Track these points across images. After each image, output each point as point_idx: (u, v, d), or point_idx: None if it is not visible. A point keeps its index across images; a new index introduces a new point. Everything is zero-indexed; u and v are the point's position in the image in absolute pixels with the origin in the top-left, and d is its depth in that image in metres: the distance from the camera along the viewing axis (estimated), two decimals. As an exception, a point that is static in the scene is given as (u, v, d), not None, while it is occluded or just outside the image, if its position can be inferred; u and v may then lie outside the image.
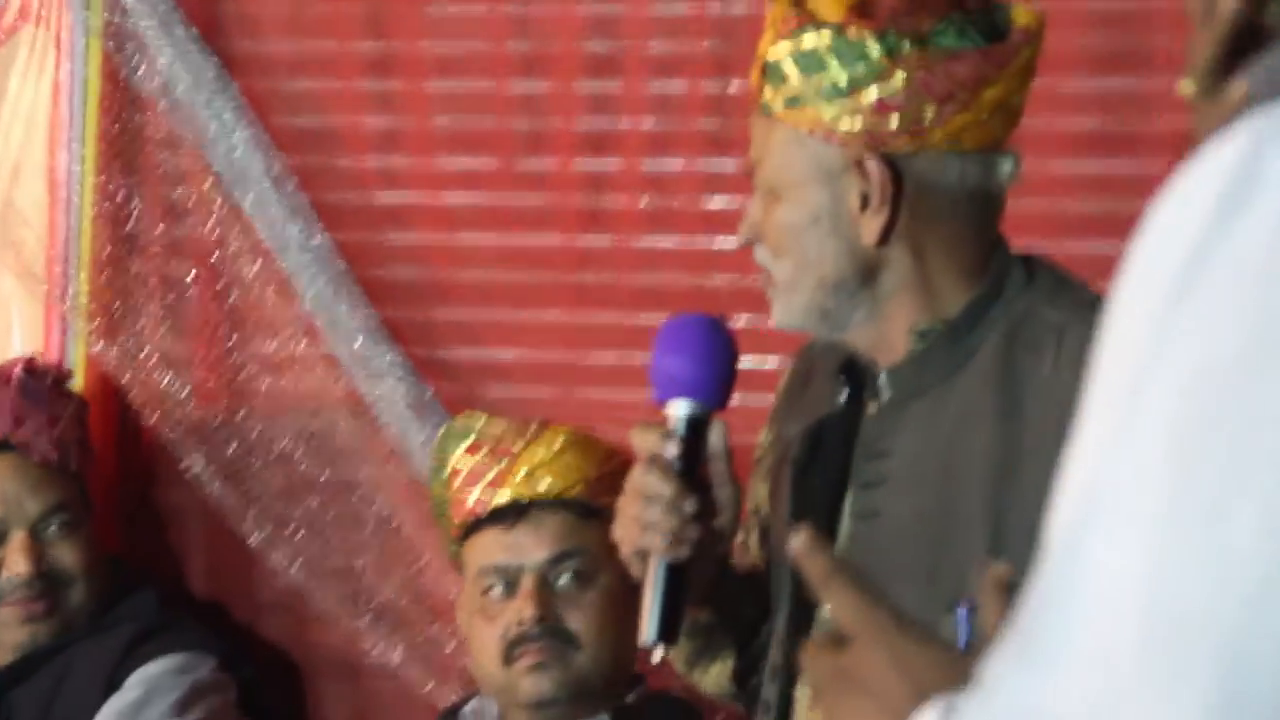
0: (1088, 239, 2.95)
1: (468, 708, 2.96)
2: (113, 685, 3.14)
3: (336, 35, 3.46)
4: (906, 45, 2.07)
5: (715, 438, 2.17)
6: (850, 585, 1.28)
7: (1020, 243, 2.20)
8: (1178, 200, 0.96)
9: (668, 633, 2.13)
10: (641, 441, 2.17)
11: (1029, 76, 2.15)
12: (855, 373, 2.21)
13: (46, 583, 3.20)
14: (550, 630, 2.78)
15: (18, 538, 3.19)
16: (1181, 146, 1.03)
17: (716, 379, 2.18)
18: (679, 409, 2.16)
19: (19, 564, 3.17)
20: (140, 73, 3.48)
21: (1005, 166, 2.16)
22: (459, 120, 3.40)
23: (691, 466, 2.15)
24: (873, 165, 2.10)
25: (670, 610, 2.12)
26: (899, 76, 2.07)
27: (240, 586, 3.52)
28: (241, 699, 3.26)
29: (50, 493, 3.22)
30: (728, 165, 3.19)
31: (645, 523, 2.12)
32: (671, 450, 2.15)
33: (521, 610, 2.78)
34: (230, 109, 3.44)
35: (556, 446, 2.86)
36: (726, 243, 3.18)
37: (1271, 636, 0.90)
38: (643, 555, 2.14)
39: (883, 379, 2.17)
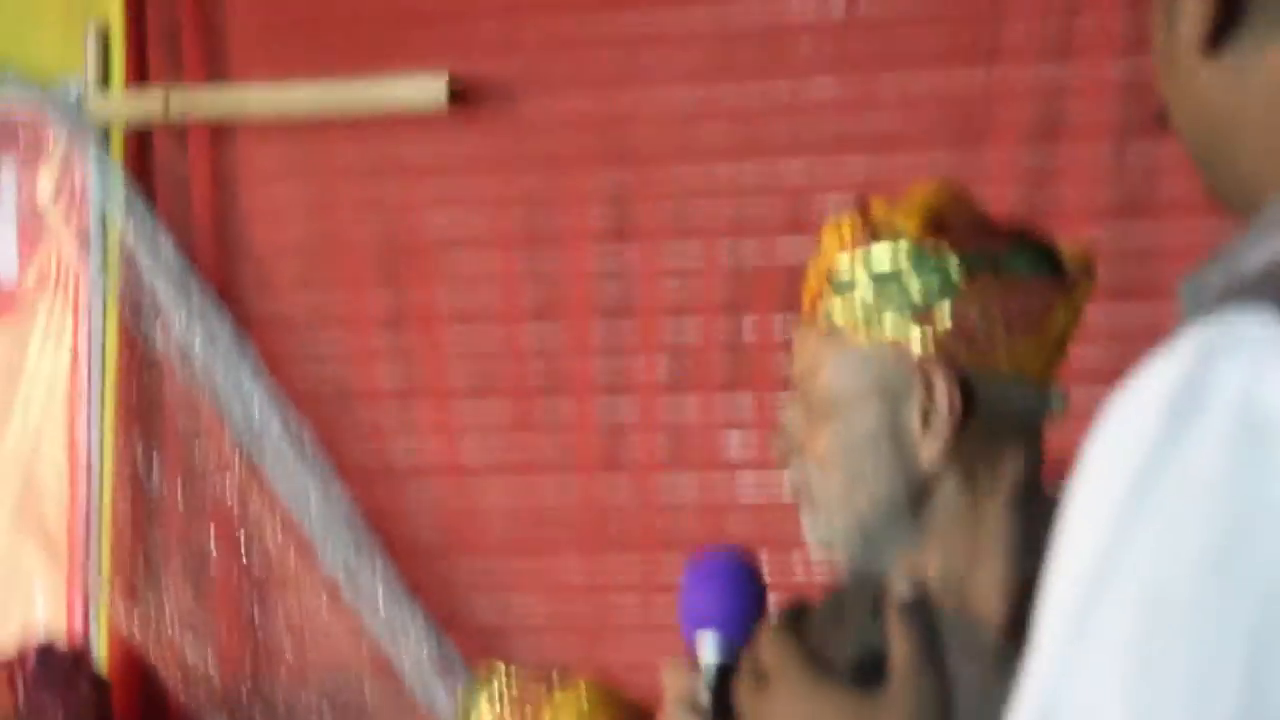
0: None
1: None
2: None
3: (350, 290, 3.47)
4: (984, 266, 2.06)
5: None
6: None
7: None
8: (1128, 411, 0.97)
9: None
10: (671, 683, 2.14)
11: (1082, 311, 2.14)
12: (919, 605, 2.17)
13: None
14: None
15: None
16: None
17: (746, 618, 2.15)
18: (708, 650, 2.13)
19: None
20: (157, 335, 3.48)
21: (1056, 398, 2.15)
22: (474, 369, 3.39)
23: (721, 710, 2.12)
24: (942, 383, 2.07)
25: None
26: (975, 296, 2.05)
27: None
28: None
29: None
30: (744, 403, 3.17)
31: None
32: (704, 696, 2.11)
33: None
34: (246, 368, 3.44)
35: (583, 703, 2.82)
36: (745, 479, 3.16)
37: None
38: None
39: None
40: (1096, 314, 3.04)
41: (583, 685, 2.85)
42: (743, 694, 1.27)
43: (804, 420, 2.13)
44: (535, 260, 3.37)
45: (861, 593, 2.23)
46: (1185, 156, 1.15)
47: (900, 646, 1.22)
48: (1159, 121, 1.17)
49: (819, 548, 2.14)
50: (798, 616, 1.74)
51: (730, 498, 3.22)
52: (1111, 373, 3.11)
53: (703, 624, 2.13)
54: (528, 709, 2.82)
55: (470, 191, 3.42)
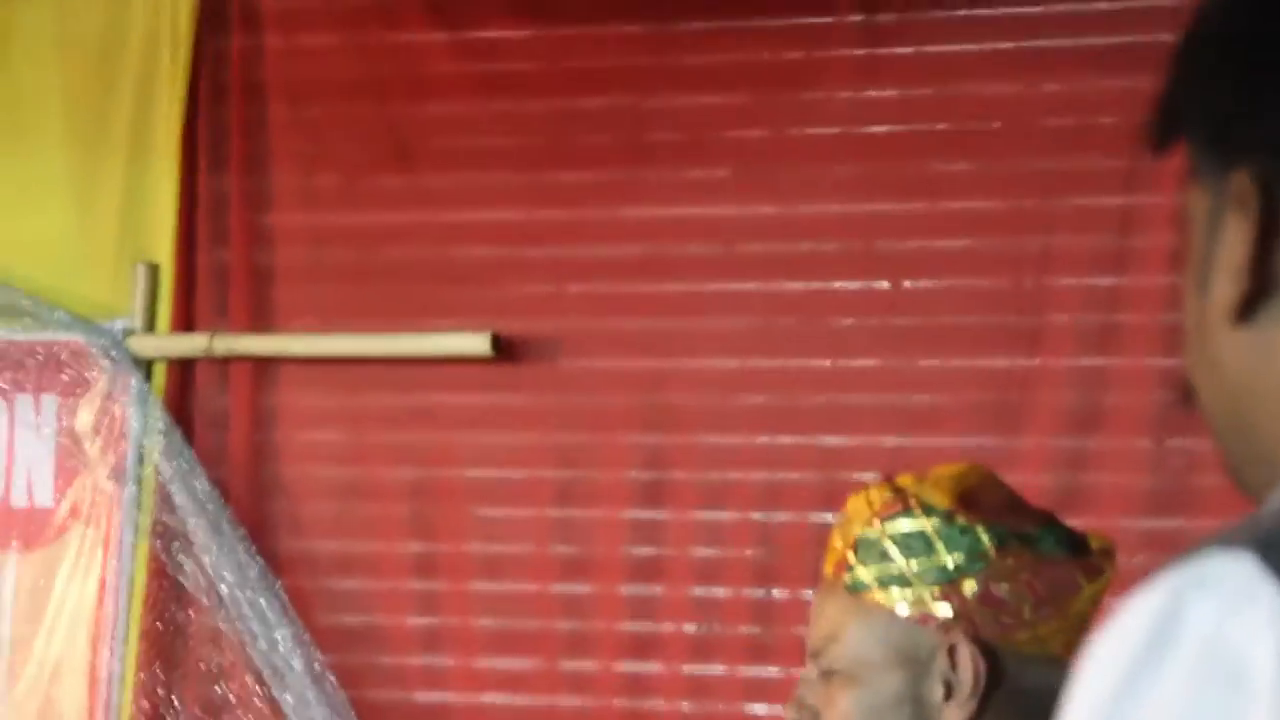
0: None
1: None
2: None
3: (381, 536, 3.50)
4: (1014, 541, 2.09)
5: None
6: None
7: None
8: (1107, 642, 1.00)
9: None
10: None
11: (1104, 596, 2.17)
12: None
13: None
14: None
15: None
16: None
17: None
18: None
19: None
20: (186, 570, 3.51)
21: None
22: (502, 621, 3.41)
23: None
24: (966, 653, 2.09)
25: None
26: (1005, 570, 2.08)
27: None
28: None
29: None
30: (770, 672, 3.19)
31: None
32: None
33: None
34: (274, 607, 3.46)
35: None
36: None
37: None
38: None
39: None
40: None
41: None
42: None
43: (821, 687, 2.16)
44: (567, 516, 3.42)
45: None
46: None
47: None
48: (1186, 402, 1.20)
49: None
50: None
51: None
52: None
53: None
54: None
55: (506, 444, 3.47)
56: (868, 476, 3.16)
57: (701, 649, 3.31)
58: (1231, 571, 0.99)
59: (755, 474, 3.32)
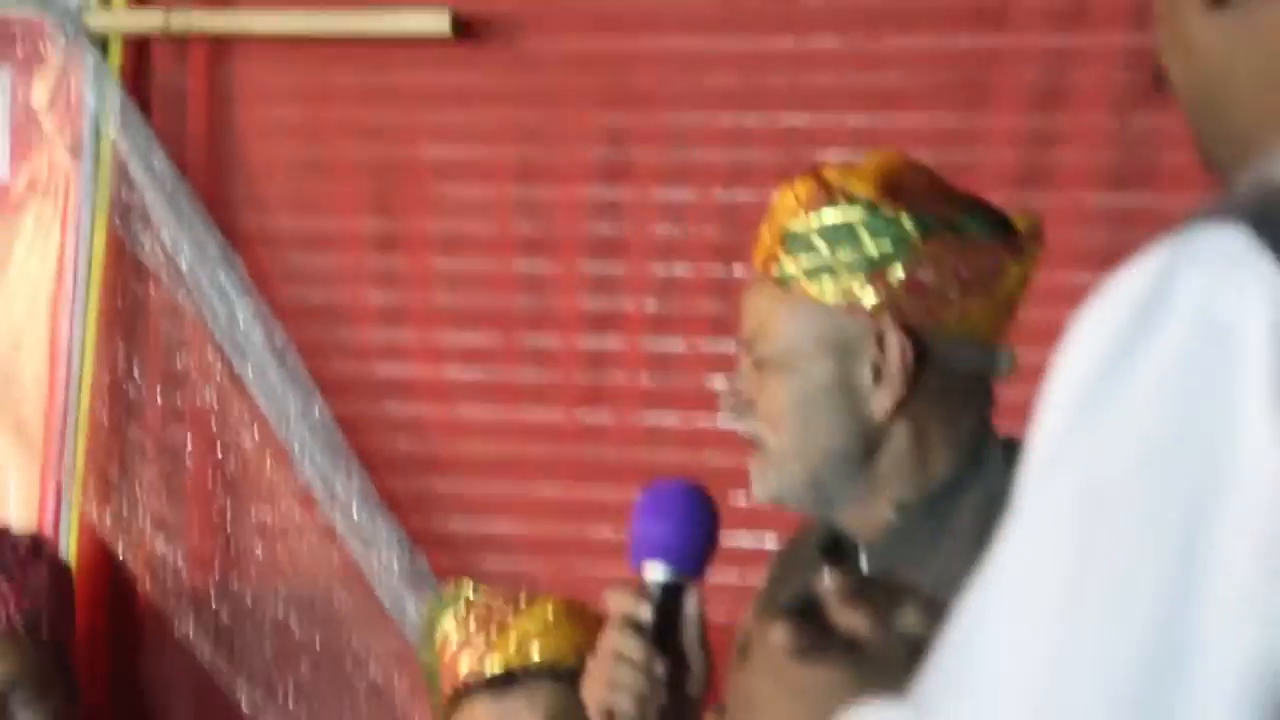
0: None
1: None
2: None
3: (342, 213, 3.50)
4: (938, 227, 2.11)
5: (690, 605, 2.15)
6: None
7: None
8: (1098, 314, 1.02)
9: None
10: (616, 603, 2.15)
11: (1031, 275, 2.20)
12: (838, 551, 2.22)
13: None
14: None
15: None
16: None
17: (694, 547, 2.16)
18: (655, 573, 2.16)
19: None
20: (145, 245, 3.51)
21: (1004, 360, 2.20)
22: (462, 297, 3.44)
23: (664, 631, 2.13)
24: (894, 338, 2.12)
25: None
26: (929, 256, 2.10)
27: (230, 755, 3.49)
28: None
29: (12, 663, 3.14)
30: (730, 346, 3.22)
31: (613, 682, 2.10)
32: (645, 613, 2.14)
33: None
34: (233, 282, 3.47)
35: (549, 616, 2.84)
36: (726, 421, 3.21)
37: None
38: (609, 716, 2.12)
39: (862, 555, 2.18)
40: (1093, 280, 3.13)
41: (549, 602, 2.89)
42: (732, 668, 1.30)
43: (754, 377, 2.19)
44: (529, 193, 3.43)
45: (809, 540, 2.29)
46: (1187, 128, 1.21)
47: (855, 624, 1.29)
48: (1157, 84, 1.21)
49: (768, 501, 2.20)
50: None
51: (710, 434, 3.27)
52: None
53: (651, 550, 2.17)
54: (493, 625, 2.85)
55: (468, 122, 3.46)
56: (831, 155, 3.19)
57: (662, 323, 3.34)
58: (1223, 244, 1.00)
59: (718, 152, 3.33)
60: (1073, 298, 2.93)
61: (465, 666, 2.81)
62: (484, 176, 3.45)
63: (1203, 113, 1.18)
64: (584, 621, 2.85)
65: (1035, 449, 1.03)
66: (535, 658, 2.79)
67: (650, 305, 3.35)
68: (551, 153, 3.41)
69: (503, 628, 2.81)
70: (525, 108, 3.43)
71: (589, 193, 3.39)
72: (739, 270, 3.25)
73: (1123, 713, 0.94)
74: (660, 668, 2.09)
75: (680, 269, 3.35)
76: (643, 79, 3.38)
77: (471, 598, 2.87)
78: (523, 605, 2.85)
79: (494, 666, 2.80)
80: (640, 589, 2.13)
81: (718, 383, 3.28)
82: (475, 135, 3.45)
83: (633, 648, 2.09)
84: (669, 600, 2.13)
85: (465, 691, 2.82)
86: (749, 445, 2.23)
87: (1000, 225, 2.17)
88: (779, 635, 1.28)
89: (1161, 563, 0.95)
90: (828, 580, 1.34)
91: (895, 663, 1.24)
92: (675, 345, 3.34)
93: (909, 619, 1.29)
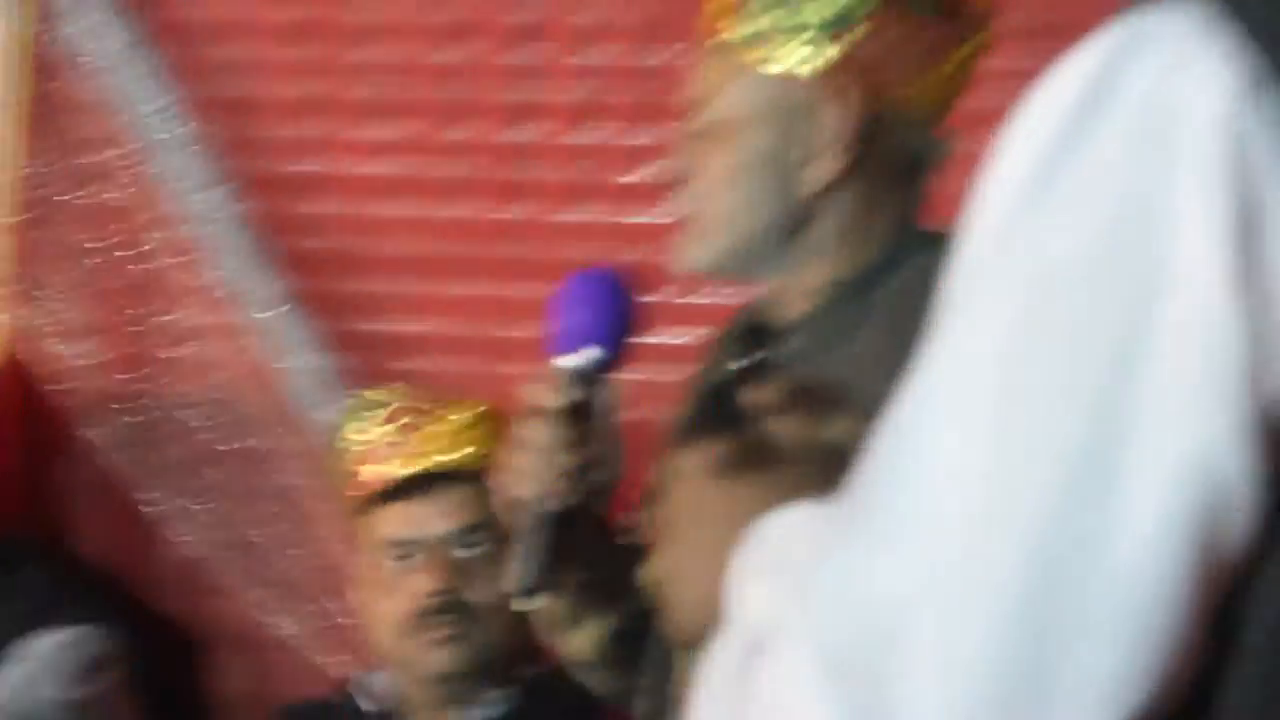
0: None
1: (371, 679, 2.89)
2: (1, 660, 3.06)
3: (256, 2, 3.40)
4: (890, 1, 2.05)
5: (602, 395, 2.11)
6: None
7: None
8: (1044, 99, 0.99)
9: (538, 584, 2.06)
10: (529, 394, 2.12)
11: (976, 60, 2.12)
12: (759, 337, 2.16)
13: None
14: (453, 604, 2.71)
15: None
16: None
17: (604, 331, 2.12)
18: (565, 361, 2.11)
19: None
20: (58, 38, 3.42)
21: (943, 147, 2.13)
22: (378, 89, 3.34)
23: (572, 419, 2.09)
24: (836, 110, 2.06)
25: (542, 562, 2.06)
26: (877, 28, 2.04)
27: (137, 559, 3.45)
28: (137, 673, 3.18)
29: None
30: (650, 138, 3.14)
31: (520, 471, 2.07)
32: (552, 401, 2.09)
33: (424, 584, 2.71)
34: (148, 75, 3.38)
35: (461, 419, 2.80)
36: (647, 217, 3.13)
37: (1080, 532, 0.93)
38: (519, 505, 2.08)
39: (784, 336, 2.12)
40: (1029, 64, 3.02)
41: (460, 406, 2.83)
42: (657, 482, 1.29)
43: (695, 144, 2.12)
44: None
45: (732, 333, 2.23)
46: None
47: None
48: None
49: (694, 269, 2.13)
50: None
51: (632, 228, 3.19)
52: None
53: (564, 338, 2.11)
54: (402, 430, 2.79)
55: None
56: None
57: (583, 111, 3.25)
58: (1174, 27, 0.96)
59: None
60: (1006, 84, 2.82)
61: (374, 472, 2.78)
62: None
63: None
64: (499, 424, 2.81)
65: (973, 234, 1.01)
66: (444, 460, 2.75)
67: (571, 94, 3.26)
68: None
69: (412, 432, 2.77)
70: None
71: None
72: (661, 56, 3.14)
73: (1058, 501, 0.94)
74: (566, 456, 2.06)
75: (599, 57, 3.25)
76: None
77: (381, 403, 2.82)
78: (433, 409, 2.80)
79: (402, 470, 2.77)
80: (553, 380, 2.09)
81: (639, 176, 3.20)
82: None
83: (538, 435, 2.06)
84: (579, 388, 2.08)
85: (375, 497, 2.79)
86: (681, 222, 2.16)
87: (950, 6, 2.10)
88: (697, 457, 1.29)
89: (1103, 351, 0.94)
90: (754, 391, 1.29)
91: (821, 473, 1.24)
92: (596, 136, 3.25)
93: (837, 428, 1.31)
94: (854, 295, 2.08)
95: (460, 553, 2.73)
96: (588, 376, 2.10)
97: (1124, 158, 0.95)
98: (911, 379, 1.02)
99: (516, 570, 2.04)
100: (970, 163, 3.01)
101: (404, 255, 3.34)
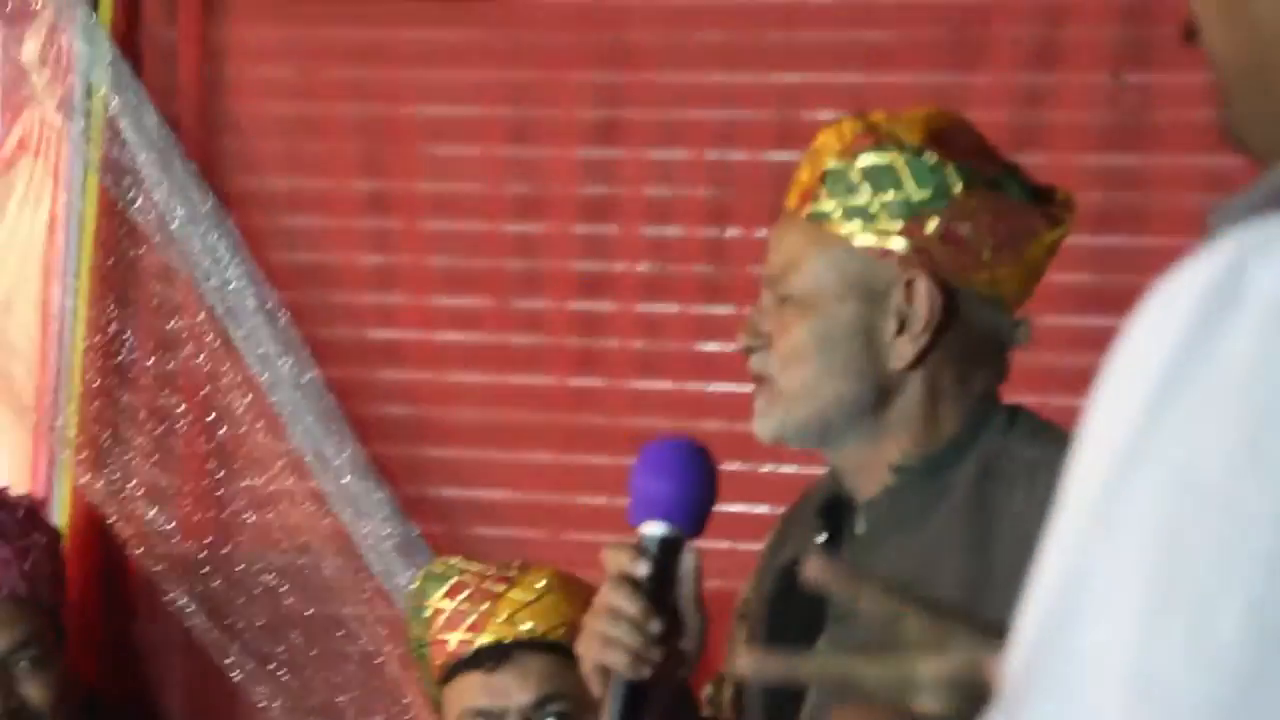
0: (1076, 394, 2.95)
1: None
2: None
3: (333, 173, 3.48)
4: (980, 183, 2.10)
5: (687, 562, 2.15)
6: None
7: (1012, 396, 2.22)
8: (1159, 310, 0.97)
9: None
10: (612, 560, 2.15)
11: (1059, 247, 2.18)
12: (835, 512, 2.20)
13: (14, 718, 3.15)
14: None
15: None
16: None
17: (692, 503, 2.16)
18: (651, 529, 2.15)
19: None
20: (137, 206, 3.49)
21: (1023, 326, 2.18)
22: (454, 259, 3.41)
23: (660, 588, 2.13)
24: (924, 288, 2.11)
25: None
26: (968, 210, 2.09)
27: (222, 722, 3.49)
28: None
29: (19, 627, 3.15)
30: (723, 310, 3.20)
31: (608, 639, 2.09)
32: (641, 570, 2.13)
33: None
34: (225, 244, 3.44)
35: (539, 588, 2.82)
36: (719, 388, 3.18)
37: None
38: (603, 672, 2.11)
39: (860, 516, 2.17)
40: (1082, 240, 3.09)
41: (539, 573, 2.87)
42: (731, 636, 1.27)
43: (775, 313, 2.17)
44: (520, 154, 3.39)
45: (810, 504, 2.27)
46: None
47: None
48: (1187, 37, 1.13)
49: (773, 438, 2.18)
50: None
51: (703, 403, 3.24)
52: (1094, 298, 3.17)
53: (648, 507, 2.15)
54: (482, 599, 2.83)
55: (459, 80, 3.43)
56: (824, 114, 3.14)
57: (654, 287, 3.31)
58: None
59: (710, 112, 3.29)
60: (1063, 260, 2.90)
61: (456, 640, 2.80)
62: (475, 136, 3.42)
63: (1246, 84, 1.11)
64: (576, 593, 2.84)
65: (1092, 450, 0.99)
66: (526, 630, 2.78)
67: (642, 268, 3.32)
68: (543, 112, 3.38)
69: (493, 601, 2.80)
70: (517, 67, 3.39)
71: (580, 153, 3.35)
72: (731, 232, 3.21)
73: (1216, 709, 0.91)
74: (655, 624, 2.09)
75: (672, 231, 3.31)
76: (634, 37, 3.33)
77: (461, 571, 2.85)
78: (512, 576, 2.84)
79: (484, 639, 2.80)
80: (637, 546, 2.13)
81: (710, 347, 3.25)
82: (467, 94, 3.42)
83: (628, 604, 2.08)
84: (665, 557, 2.13)
85: (456, 666, 2.82)
86: (741, 411, 2.21)
87: (1037, 192, 2.16)
88: None
89: (1257, 559, 0.92)
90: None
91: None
92: (668, 309, 3.31)
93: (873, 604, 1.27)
94: (930, 474, 2.13)
95: (546, 716, 2.73)
96: (671, 545, 2.15)
97: (1257, 350, 0.93)
98: (1042, 576, 1.00)
99: None
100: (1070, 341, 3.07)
101: (479, 423, 3.39)
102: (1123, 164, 3.10)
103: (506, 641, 2.77)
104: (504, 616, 2.78)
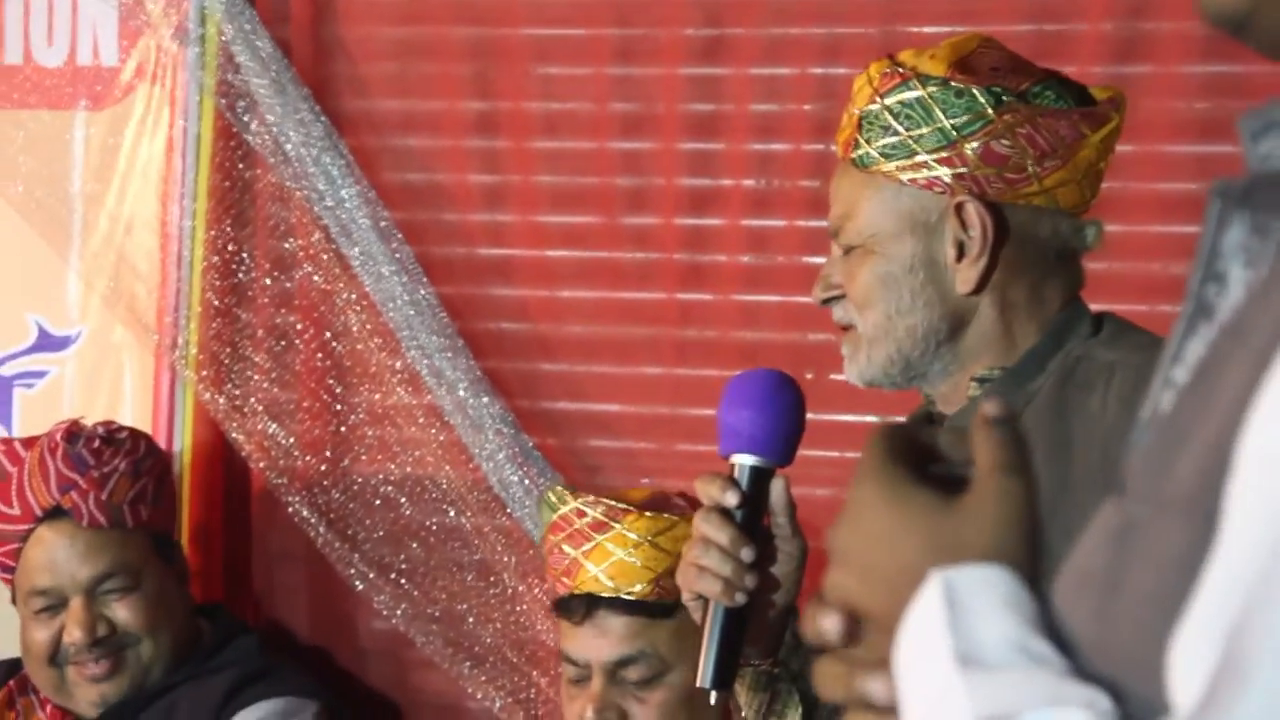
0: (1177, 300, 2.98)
1: None
2: (218, 729, 3.18)
3: (443, 95, 3.52)
4: (1011, 98, 2.13)
5: (777, 491, 2.21)
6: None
7: (1110, 305, 2.25)
8: None
9: (723, 678, 2.15)
10: (704, 490, 2.21)
11: (1113, 145, 2.20)
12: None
13: (108, 645, 3.21)
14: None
15: (74, 605, 3.21)
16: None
17: (779, 434, 2.21)
18: (742, 460, 2.20)
19: (75, 632, 3.20)
20: (252, 129, 3.55)
21: (1091, 230, 2.21)
22: (563, 178, 3.46)
23: (752, 517, 2.18)
24: (974, 210, 2.14)
25: (725, 655, 2.15)
26: (1004, 127, 2.12)
27: (343, 631, 3.57)
28: (343, 743, 3.30)
29: (103, 556, 3.22)
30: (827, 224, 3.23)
31: (702, 568, 2.15)
32: (731, 500, 2.18)
33: (585, 709, 2.77)
34: (339, 165, 3.50)
35: (633, 540, 2.78)
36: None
37: None
38: (701, 600, 2.17)
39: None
40: (1191, 152, 3.11)
41: (642, 523, 2.84)
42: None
43: (843, 264, 2.22)
44: (627, 73, 3.43)
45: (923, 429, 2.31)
46: None
47: (989, 454, 1.20)
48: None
49: (861, 384, 2.23)
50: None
51: (811, 316, 3.27)
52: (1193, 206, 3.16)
53: (737, 439, 2.21)
54: (578, 545, 2.84)
55: (565, 1, 3.46)
56: (927, 30, 3.18)
57: (761, 202, 3.34)
58: None
59: (814, 29, 3.32)
60: (1171, 169, 2.92)
61: (555, 575, 2.83)
62: (582, 56, 3.45)
63: None
64: (671, 544, 2.81)
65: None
66: (610, 588, 2.77)
67: (749, 183, 3.36)
68: (649, 32, 3.41)
69: (587, 547, 2.80)
70: (620, -13, 3.42)
71: (686, 71, 3.39)
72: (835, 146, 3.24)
73: None
74: (747, 552, 2.15)
75: (778, 146, 3.34)
76: (739, -45, 3.36)
77: (566, 506, 2.83)
78: (613, 522, 2.80)
79: (577, 587, 2.80)
80: (727, 477, 2.18)
81: (817, 260, 3.29)
82: (573, 15, 3.46)
83: (719, 533, 2.15)
84: (755, 486, 2.18)
85: (555, 602, 2.85)
86: (842, 332, 2.25)
87: (1077, 95, 2.18)
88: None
89: None
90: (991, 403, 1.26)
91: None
92: (774, 223, 3.35)
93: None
94: (1011, 383, 2.17)
95: (628, 673, 2.76)
96: (760, 475, 2.20)
97: None
98: (1211, 586, 0.98)
99: (703, 664, 2.14)
100: (1137, 247, 3.11)
101: (589, 337, 3.44)
102: (1226, 72, 3.11)
103: (591, 596, 2.79)
104: (593, 570, 2.77)
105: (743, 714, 2.36)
